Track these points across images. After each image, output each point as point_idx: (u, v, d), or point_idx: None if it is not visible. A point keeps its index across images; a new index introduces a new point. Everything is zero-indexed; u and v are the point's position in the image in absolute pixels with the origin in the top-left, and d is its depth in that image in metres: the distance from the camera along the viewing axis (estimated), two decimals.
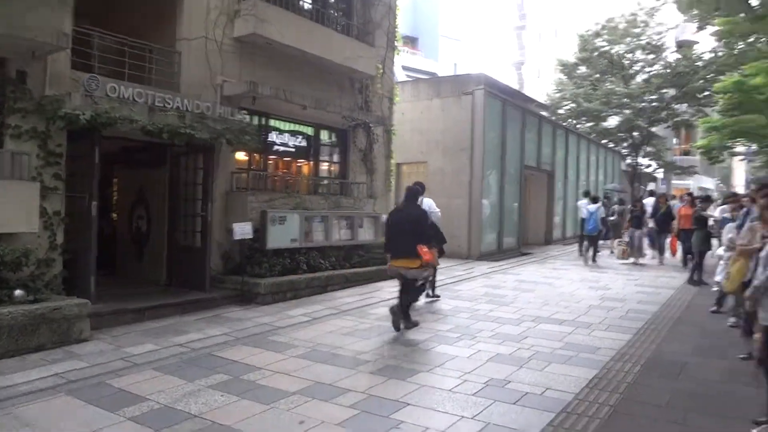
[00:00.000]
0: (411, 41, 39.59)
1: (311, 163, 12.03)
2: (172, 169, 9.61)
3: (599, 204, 15.28)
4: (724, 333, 7.40)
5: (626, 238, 15.28)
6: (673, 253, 15.59)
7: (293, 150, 11.58)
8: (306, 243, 10.39)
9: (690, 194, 14.92)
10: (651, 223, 15.38)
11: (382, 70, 13.11)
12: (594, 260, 14.89)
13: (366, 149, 12.86)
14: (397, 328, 7.22)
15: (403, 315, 7.24)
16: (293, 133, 11.52)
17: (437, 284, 9.93)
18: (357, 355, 6.25)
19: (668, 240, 15.36)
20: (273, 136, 11.11)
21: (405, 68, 30.57)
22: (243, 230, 8.92)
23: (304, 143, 11.76)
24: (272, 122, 11.04)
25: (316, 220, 10.75)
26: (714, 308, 8.68)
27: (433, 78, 21.79)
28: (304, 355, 6.22)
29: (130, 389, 5.06)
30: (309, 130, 11.82)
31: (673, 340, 7.06)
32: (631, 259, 14.93)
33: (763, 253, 4.44)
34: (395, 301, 7.52)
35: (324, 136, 12.23)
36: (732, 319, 7.66)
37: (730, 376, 5.69)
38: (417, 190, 7.83)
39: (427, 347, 6.64)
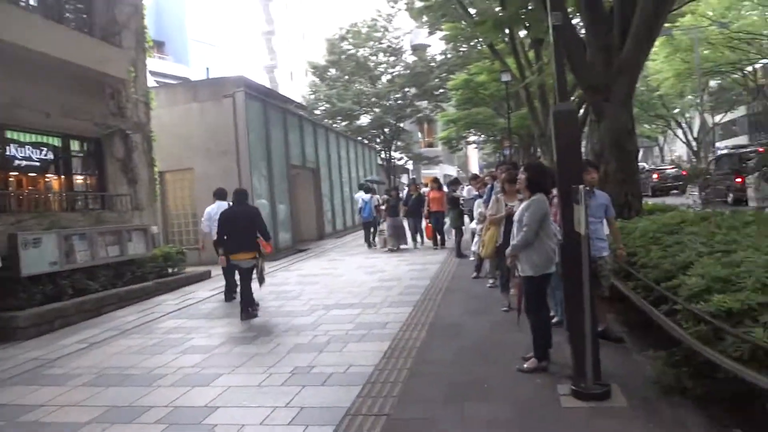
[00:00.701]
0: (158, 45, 37.49)
1: (63, 177, 10.83)
2: None
3: (370, 194, 16.51)
4: (486, 294, 8.52)
5: (384, 227, 15.80)
6: (428, 236, 15.72)
7: (38, 164, 10.30)
8: (69, 264, 9.35)
9: (435, 179, 15.69)
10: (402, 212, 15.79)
11: (134, 74, 12.31)
12: (374, 242, 16.42)
13: (125, 158, 11.97)
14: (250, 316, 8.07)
15: (244, 300, 8.13)
16: (37, 146, 10.24)
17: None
18: (151, 371, 5.90)
19: (423, 224, 15.81)
20: (12, 150, 9.76)
21: (153, 73, 28.91)
22: None
23: (51, 156, 10.53)
24: (9, 134, 9.70)
25: (77, 238, 9.74)
26: (474, 275, 9.90)
27: (190, 82, 20.99)
28: (91, 382, 5.68)
29: None
30: (56, 141, 10.60)
31: (447, 306, 7.93)
32: (389, 246, 15.39)
33: (516, 217, 5.25)
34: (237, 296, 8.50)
35: (75, 146, 11.07)
36: (491, 281, 8.84)
37: (498, 327, 6.61)
38: (246, 191, 8.85)
39: (225, 350, 6.53)
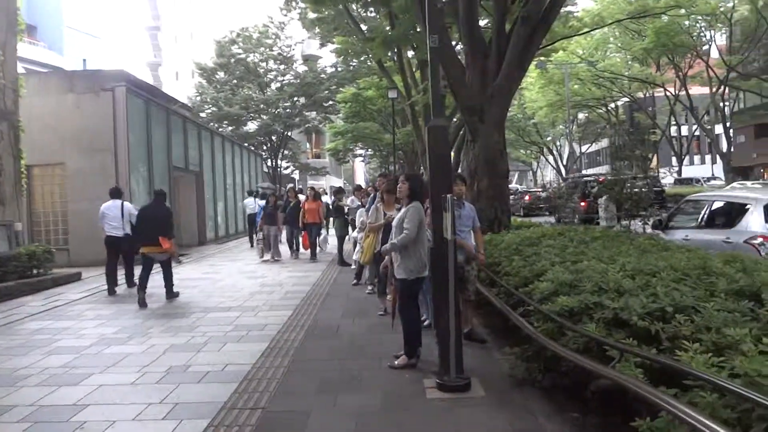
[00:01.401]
0: (29, 30, 34.87)
1: None
2: None
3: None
4: (364, 299, 8.85)
5: (260, 236, 14.76)
6: (305, 246, 14.69)
7: None
8: None
9: (312, 188, 15.05)
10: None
11: (2, 57, 11.54)
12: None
13: None
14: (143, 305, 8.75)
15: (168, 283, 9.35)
16: None
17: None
18: (15, 371, 5.63)
19: (301, 235, 14.87)
20: None
21: (22, 59, 26.88)
22: None
23: None
24: None
25: None
26: (355, 281, 10.23)
27: (66, 72, 19.78)
28: None
29: None
30: None
31: (326, 310, 8.16)
32: (267, 256, 14.46)
33: (394, 222, 5.61)
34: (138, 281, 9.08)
35: None
36: (369, 287, 9.19)
37: (373, 329, 6.93)
38: (164, 192, 10.06)
39: (96, 351, 6.33)
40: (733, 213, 7.89)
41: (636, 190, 9.06)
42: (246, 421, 4.20)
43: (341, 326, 7.15)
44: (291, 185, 18.68)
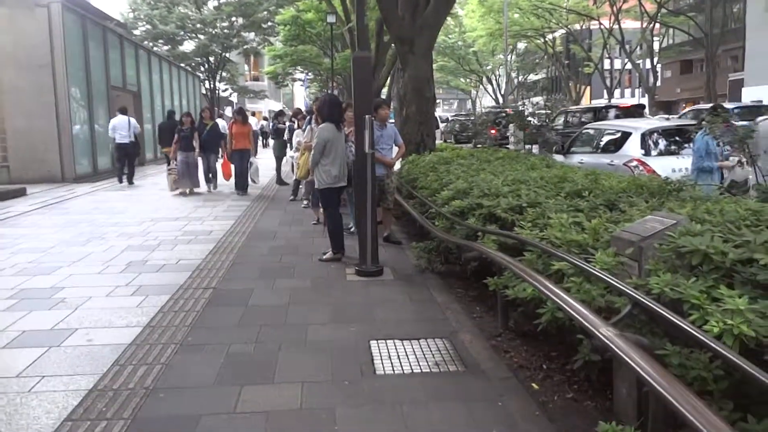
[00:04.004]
0: None
1: None
2: None
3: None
4: (300, 212, 9.90)
5: (174, 165, 12.46)
6: (226, 176, 12.62)
7: None
8: None
9: (240, 110, 12.82)
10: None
11: None
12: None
13: None
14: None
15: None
16: None
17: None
18: None
19: (219, 162, 12.88)
20: None
21: None
22: None
23: None
24: None
25: None
26: (292, 197, 11.23)
27: None
28: None
29: None
30: None
31: (265, 220, 9.20)
32: (179, 190, 12.34)
33: (313, 143, 6.58)
34: None
35: None
36: (304, 202, 10.22)
37: (307, 234, 8.06)
38: (173, 111, 12.74)
39: (59, 251, 7.16)
40: (619, 140, 9.25)
41: (533, 121, 10.39)
42: (200, 296, 5.27)
43: (278, 232, 8.23)
44: (207, 106, 15.76)
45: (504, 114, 17.55)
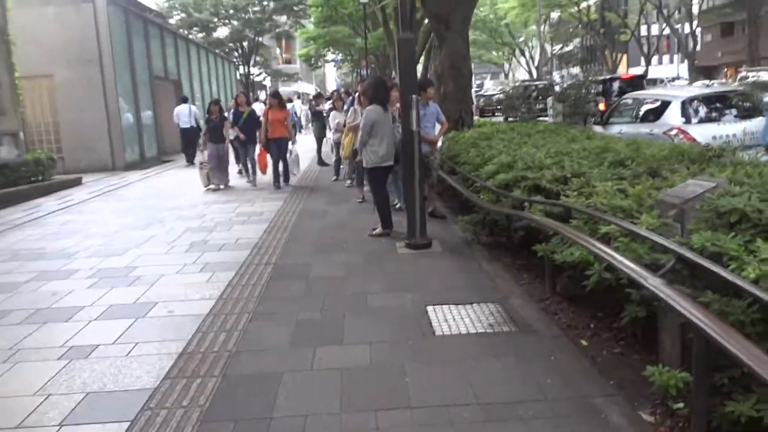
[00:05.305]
0: None
1: None
2: None
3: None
4: (344, 191, 10.27)
5: (205, 158, 11.46)
6: (263, 169, 11.68)
7: None
8: None
9: (275, 94, 11.85)
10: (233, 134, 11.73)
11: None
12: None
13: None
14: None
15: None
16: None
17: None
18: (63, 250, 6.96)
19: (257, 153, 11.62)
20: None
21: None
22: None
23: None
24: None
25: None
26: (334, 177, 11.60)
27: None
28: (9, 259, 6.69)
29: None
30: None
31: (312, 200, 9.59)
32: (212, 184, 11.35)
33: (361, 124, 6.89)
34: None
35: None
36: (348, 182, 10.57)
37: (354, 212, 8.42)
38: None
39: (125, 234, 7.65)
40: (659, 109, 9.29)
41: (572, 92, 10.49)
42: (263, 270, 5.66)
43: (327, 210, 8.62)
44: (243, 91, 15.25)
45: (534, 87, 17.66)
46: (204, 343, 3.98)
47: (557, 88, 11.10)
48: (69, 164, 15.20)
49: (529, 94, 18.08)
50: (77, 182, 13.11)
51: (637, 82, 18.05)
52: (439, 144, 8.06)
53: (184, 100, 16.90)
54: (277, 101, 11.13)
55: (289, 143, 11.11)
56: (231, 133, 11.59)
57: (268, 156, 11.29)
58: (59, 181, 12.56)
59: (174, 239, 7.21)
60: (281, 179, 11.14)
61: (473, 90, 18.01)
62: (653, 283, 2.42)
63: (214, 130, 11.36)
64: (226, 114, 11.98)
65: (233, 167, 12.47)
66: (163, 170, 15.52)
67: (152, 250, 6.74)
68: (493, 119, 18.82)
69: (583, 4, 44.86)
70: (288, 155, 11.22)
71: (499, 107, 25.45)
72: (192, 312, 4.58)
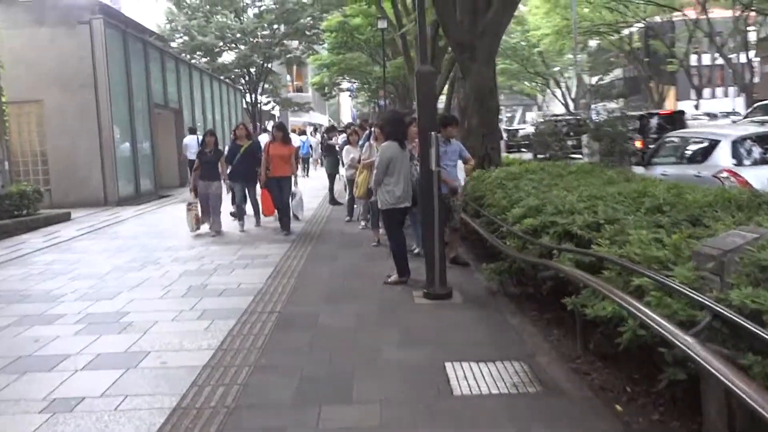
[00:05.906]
0: None
1: None
2: None
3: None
4: (358, 233, 10.45)
5: (193, 198, 10.94)
6: (267, 211, 11.14)
7: None
8: None
9: (280, 126, 11.37)
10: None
11: None
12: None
13: None
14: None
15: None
16: None
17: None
18: (49, 292, 7.16)
19: (258, 192, 11.22)
20: None
21: None
22: None
23: None
24: None
25: None
26: (347, 218, 11.79)
27: (33, 2, 20.66)
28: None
29: None
30: None
31: (323, 243, 9.76)
32: (204, 228, 10.85)
33: (376, 162, 7.10)
34: None
35: None
36: (362, 223, 10.75)
37: (368, 257, 8.56)
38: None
39: (117, 276, 7.86)
40: (706, 149, 9.42)
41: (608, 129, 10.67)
42: (267, 319, 5.79)
43: (338, 255, 8.77)
44: (242, 122, 15.51)
45: (565, 123, 17.95)
46: (200, 397, 4.09)
47: (591, 124, 11.27)
48: (57, 198, 15.57)
49: (560, 129, 18.43)
50: (66, 217, 13.43)
51: (678, 118, 18.38)
52: (463, 183, 8.22)
53: (193, 131, 18.46)
54: (282, 134, 10.82)
55: (293, 184, 10.95)
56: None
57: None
58: (46, 216, 12.88)
59: (170, 283, 7.38)
60: (282, 228, 10.67)
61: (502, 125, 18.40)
62: (685, 342, 2.51)
63: (208, 164, 10.75)
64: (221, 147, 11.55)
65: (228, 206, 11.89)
66: (159, 206, 15.84)
67: (146, 294, 6.91)
68: (522, 155, 19.06)
69: (625, 32, 45.46)
70: (291, 198, 11.02)
71: (524, 143, 25.84)
72: (188, 363, 4.71)
